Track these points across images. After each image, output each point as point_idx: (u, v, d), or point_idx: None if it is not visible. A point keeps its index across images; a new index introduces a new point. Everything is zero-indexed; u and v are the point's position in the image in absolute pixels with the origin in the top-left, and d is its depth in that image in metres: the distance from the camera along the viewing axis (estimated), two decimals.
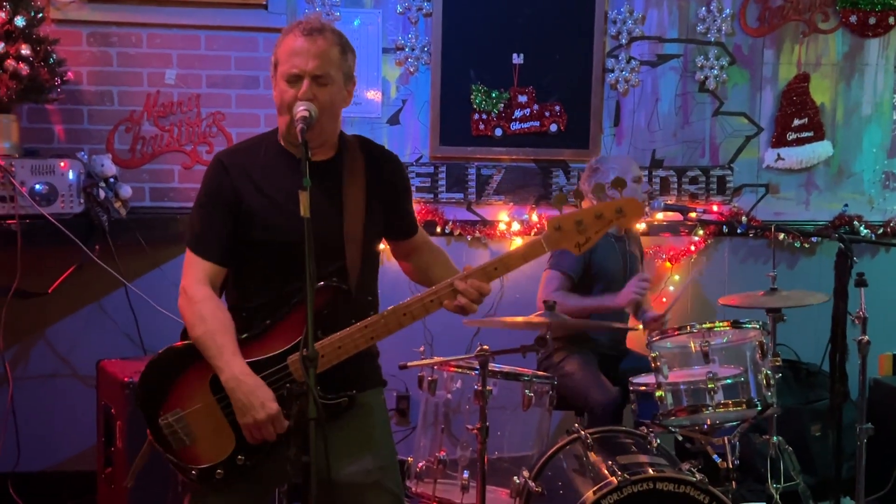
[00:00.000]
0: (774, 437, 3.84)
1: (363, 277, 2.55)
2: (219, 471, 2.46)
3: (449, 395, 3.70)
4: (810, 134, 4.80)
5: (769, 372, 3.46)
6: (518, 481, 3.39)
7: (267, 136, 2.64)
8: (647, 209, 4.35)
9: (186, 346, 2.51)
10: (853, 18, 4.78)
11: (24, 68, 3.74)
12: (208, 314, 2.46)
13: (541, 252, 2.51)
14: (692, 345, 3.45)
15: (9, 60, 3.71)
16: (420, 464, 3.70)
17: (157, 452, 2.54)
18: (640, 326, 4.37)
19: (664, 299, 4.67)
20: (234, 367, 2.40)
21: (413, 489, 3.71)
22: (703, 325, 3.43)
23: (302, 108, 2.38)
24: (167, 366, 2.53)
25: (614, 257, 4.15)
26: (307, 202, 2.17)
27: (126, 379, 3.67)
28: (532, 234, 4.59)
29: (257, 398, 2.37)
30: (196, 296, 2.48)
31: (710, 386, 3.36)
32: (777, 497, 3.80)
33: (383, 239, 2.71)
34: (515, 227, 4.58)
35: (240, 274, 2.59)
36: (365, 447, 2.54)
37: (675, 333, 3.46)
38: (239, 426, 2.44)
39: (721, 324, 3.48)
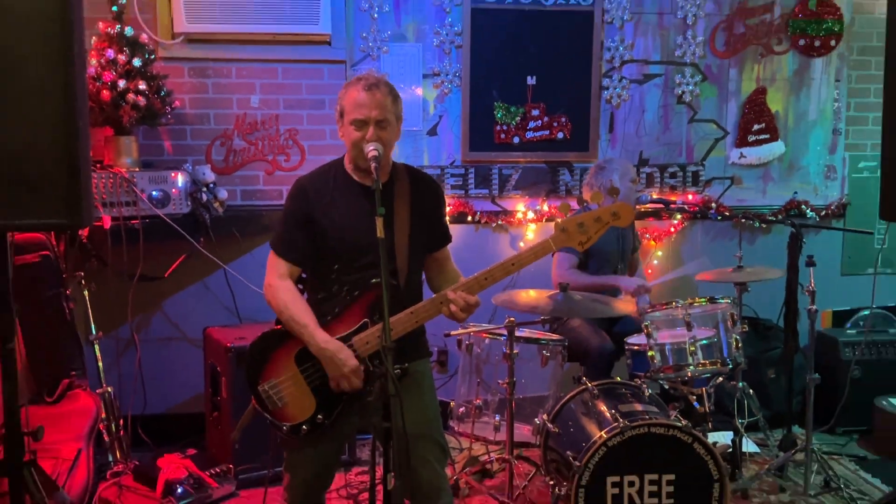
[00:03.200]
0: (740, 383, 3.90)
1: (410, 276, 2.58)
2: (304, 427, 2.52)
3: (482, 354, 3.77)
4: (767, 136, 4.79)
5: (738, 337, 3.51)
6: (538, 422, 3.47)
7: (335, 164, 2.66)
8: (638, 203, 4.36)
9: (274, 331, 2.58)
10: (802, 42, 4.75)
11: (141, 100, 3.76)
12: (290, 301, 2.53)
13: (549, 251, 2.51)
14: (677, 314, 3.49)
15: (129, 94, 3.74)
16: (461, 408, 3.77)
17: (258, 414, 2.61)
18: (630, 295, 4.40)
19: (649, 270, 4.71)
20: (317, 339, 2.47)
21: (455, 428, 3.79)
22: (686, 301, 3.46)
23: (371, 147, 2.43)
24: (263, 346, 2.58)
25: (608, 240, 3.96)
26: (382, 225, 2.19)
27: (229, 344, 3.74)
28: (543, 221, 4.61)
29: (340, 359, 2.44)
30: (279, 287, 2.55)
31: (690, 348, 3.41)
32: (742, 429, 3.87)
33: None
34: (530, 215, 4.60)
35: (314, 272, 2.64)
36: (417, 407, 2.55)
37: (664, 307, 3.50)
38: (318, 392, 2.51)
39: (700, 299, 3.50)
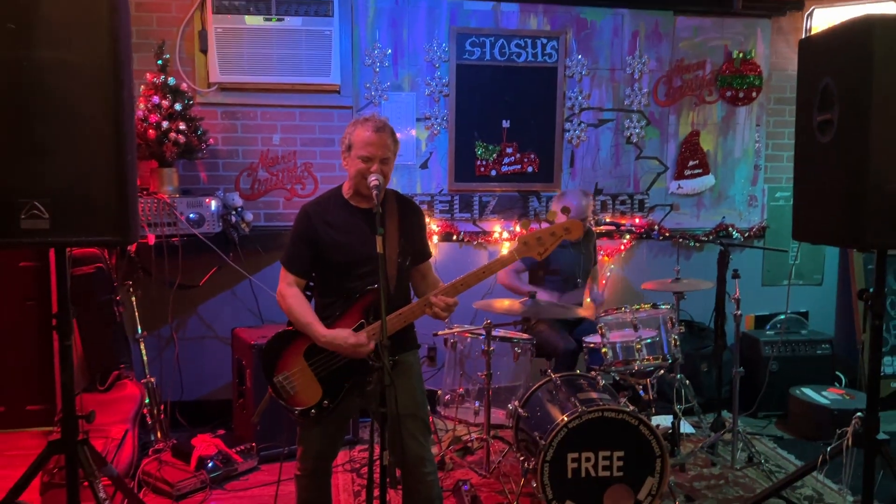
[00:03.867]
0: (678, 375, 3.91)
1: (399, 283, 2.57)
2: (312, 411, 2.52)
3: (465, 351, 3.77)
4: (700, 171, 4.81)
5: (676, 336, 3.52)
6: (511, 408, 3.46)
7: (334, 192, 2.64)
8: (592, 225, 4.38)
9: (286, 332, 2.57)
10: (729, 93, 4.79)
11: (181, 139, 3.76)
12: (295, 305, 2.53)
13: (513, 260, 2.52)
14: (626, 317, 3.49)
15: (171, 133, 3.74)
16: (446, 396, 3.77)
17: (274, 401, 2.60)
18: (588, 302, 4.41)
19: (603, 281, 4.73)
20: (318, 333, 2.47)
21: (442, 412, 3.79)
22: (633, 306, 3.46)
23: (373, 178, 2.43)
24: (276, 345, 2.58)
25: (561, 258, 4.05)
26: (382, 243, 2.18)
27: (252, 342, 3.72)
28: (515, 239, 4.62)
29: (340, 340, 2.44)
30: (287, 295, 2.54)
31: (637, 346, 3.42)
32: (680, 413, 3.88)
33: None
34: (505, 235, 4.59)
35: (320, 281, 2.63)
36: (406, 390, 2.55)
37: (615, 312, 3.50)
38: (324, 382, 2.50)
39: (645, 305, 3.51)
